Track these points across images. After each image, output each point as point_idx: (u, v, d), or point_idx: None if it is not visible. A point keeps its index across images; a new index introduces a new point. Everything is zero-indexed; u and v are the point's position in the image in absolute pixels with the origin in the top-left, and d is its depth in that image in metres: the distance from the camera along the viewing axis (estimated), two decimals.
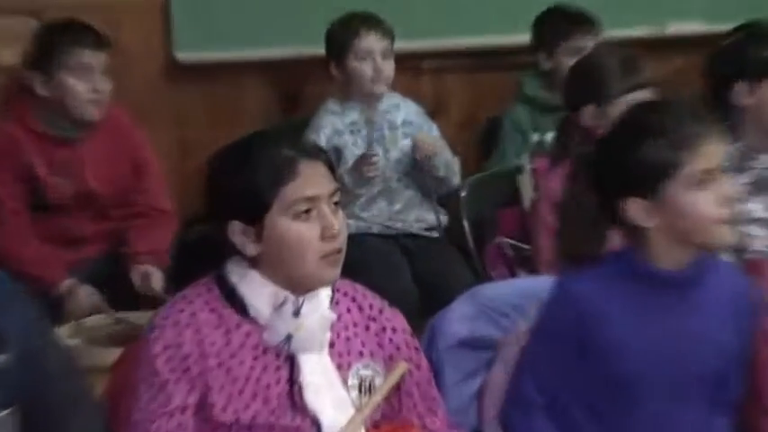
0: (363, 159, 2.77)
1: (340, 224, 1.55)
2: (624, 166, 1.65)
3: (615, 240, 1.77)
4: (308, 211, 1.52)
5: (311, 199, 1.53)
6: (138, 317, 2.35)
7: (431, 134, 2.93)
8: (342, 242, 1.56)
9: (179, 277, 2.40)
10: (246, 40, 3.24)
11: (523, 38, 3.19)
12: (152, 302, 2.44)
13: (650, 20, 3.49)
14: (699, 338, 1.71)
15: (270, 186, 1.52)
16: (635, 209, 1.63)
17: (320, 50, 2.99)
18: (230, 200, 1.56)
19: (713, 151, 1.64)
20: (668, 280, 1.68)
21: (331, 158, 1.66)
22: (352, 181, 2.76)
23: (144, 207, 2.74)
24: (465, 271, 2.72)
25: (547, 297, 1.73)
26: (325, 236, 1.52)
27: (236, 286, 1.56)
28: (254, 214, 1.53)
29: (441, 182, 2.86)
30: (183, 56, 3.20)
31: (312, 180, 1.54)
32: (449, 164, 2.86)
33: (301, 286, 1.55)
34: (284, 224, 1.52)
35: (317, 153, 1.60)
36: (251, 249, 1.54)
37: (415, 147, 2.85)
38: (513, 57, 3.37)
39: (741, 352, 1.73)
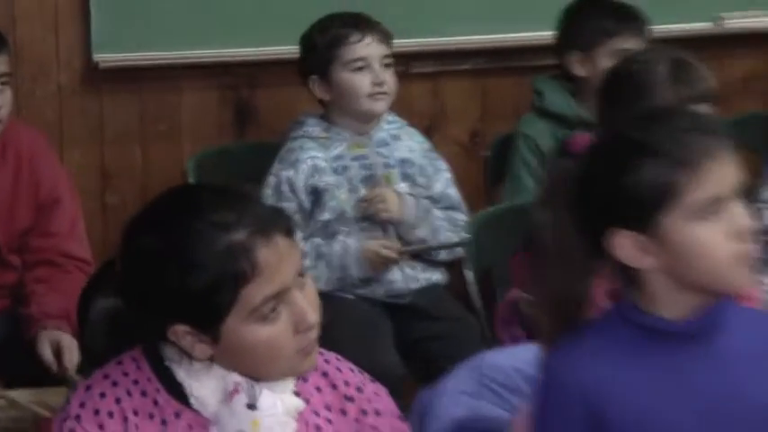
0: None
1: (314, 305, 1.67)
2: (610, 190, 1.77)
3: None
4: (275, 308, 1.63)
5: (278, 294, 1.64)
6: (40, 398, 2.42)
7: (437, 181, 3.11)
8: (318, 328, 1.68)
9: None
10: (186, 39, 3.44)
11: (544, 35, 3.39)
12: (60, 379, 2.54)
13: (704, 13, 3.82)
14: (734, 400, 1.83)
15: (223, 293, 1.62)
16: (626, 245, 1.77)
17: (279, 52, 3.22)
18: (167, 302, 1.66)
19: (723, 173, 1.75)
20: (682, 333, 1.80)
21: (291, 220, 1.77)
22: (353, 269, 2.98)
23: (52, 253, 2.83)
24: (468, 333, 2.92)
25: (537, 380, 1.84)
26: (300, 329, 1.65)
27: (173, 368, 1.66)
28: (206, 322, 1.64)
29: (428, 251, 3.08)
30: (105, 59, 3.35)
31: (276, 269, 1.63)
32: (446, 237, 3.06)
33: (265, 379, 1.67)
34: (249, 331, 1.63)
35: (274, 224, 1.69)
36: (201, 352, 1.64)
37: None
38: (531, 57, 3.59)
39: None
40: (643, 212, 1.74)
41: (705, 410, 1.83)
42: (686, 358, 1.81)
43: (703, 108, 2.56)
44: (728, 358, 1.84)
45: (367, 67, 3.02)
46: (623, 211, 1.76)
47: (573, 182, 1.82)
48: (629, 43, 3.25)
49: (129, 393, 1.66)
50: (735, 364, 1.85)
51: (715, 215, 1.71)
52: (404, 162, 3.10)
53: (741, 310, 1.90)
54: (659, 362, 1.82)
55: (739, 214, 1.74)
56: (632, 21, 3.35)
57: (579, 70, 3.28)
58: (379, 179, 3.08)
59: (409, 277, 3.09)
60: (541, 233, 1.90)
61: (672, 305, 1.79)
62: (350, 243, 3.02)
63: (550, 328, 1.85)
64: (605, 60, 3.19)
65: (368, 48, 3.03)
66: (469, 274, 2.99)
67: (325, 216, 3.02)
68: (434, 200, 3.18)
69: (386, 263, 3.03)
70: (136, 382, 1.67)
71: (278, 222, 1.70)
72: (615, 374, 1.83)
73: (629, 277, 1.78)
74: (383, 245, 3.05)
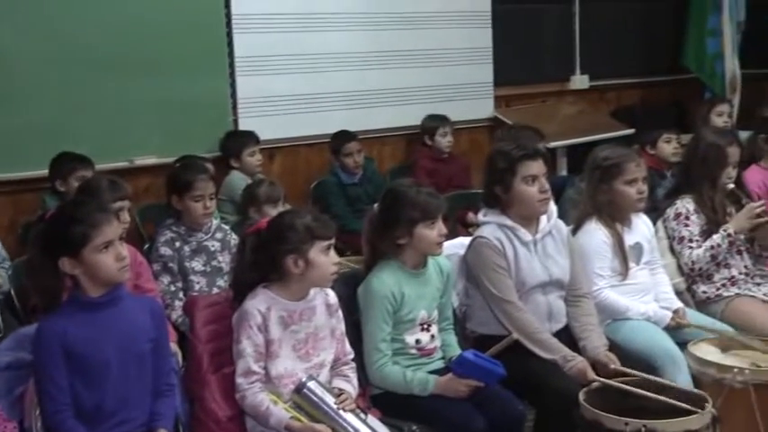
0: None
1: None
2: (55, 232, 2.56)
3: None
4: None
5: None
6: None
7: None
8: None
9: None
10: None
11: None
12: None
13: (121, 155, 5.51)
14: (130, 338, 2.56)
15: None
16: (66, 264, 2.54)
17: None
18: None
19: (111, 228, 2.55)
20: (100, 303, 2.59)
21: None
22: None
23: None
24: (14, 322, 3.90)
25: (34, 337, 2.52)
26: None
27: None
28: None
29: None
30: None
31: None
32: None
33: None
34: None
35: None
36: None
37: None
38: None
39: (153, 341, 2.68)
40: (73, 248, 2.54)
41: (117, 343, 2.58)
42: (106, 314, 2.59)
43: (125, 203, 3.77)
44: (123, 314, 2.61)
45: None
46: (66, 248, 2.55)
47: (41, 235, 2.61)
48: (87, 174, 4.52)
49: None
50: (126, 317, 2.61)
51: (106, 251, 2.54)
52: None
53: (126, 292, 2.69)
54: (92, 317, 2.56)
55: (122, 250, 2.49)
56: (90, 162, 4.63)
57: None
58: None
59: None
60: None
61: (94, 290, 2.61)
62: None
63: (42, 305, 2.60)
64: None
65: None
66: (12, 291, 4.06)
67: None
68: None
69: None
70: None
71: None
72: (73, 327, 2.53)
73: (73, 280, 2.56)
74: None
